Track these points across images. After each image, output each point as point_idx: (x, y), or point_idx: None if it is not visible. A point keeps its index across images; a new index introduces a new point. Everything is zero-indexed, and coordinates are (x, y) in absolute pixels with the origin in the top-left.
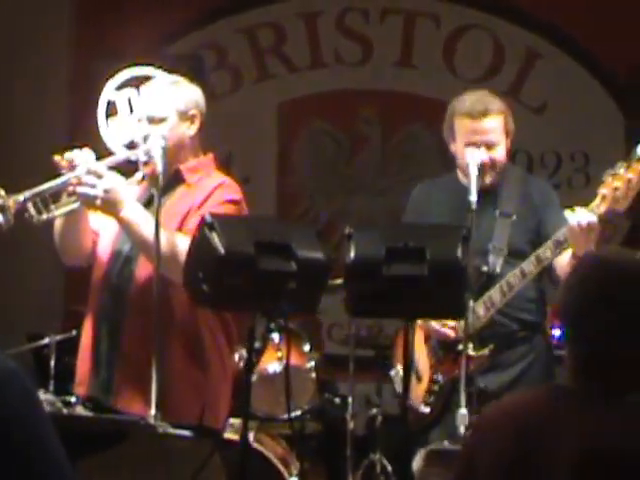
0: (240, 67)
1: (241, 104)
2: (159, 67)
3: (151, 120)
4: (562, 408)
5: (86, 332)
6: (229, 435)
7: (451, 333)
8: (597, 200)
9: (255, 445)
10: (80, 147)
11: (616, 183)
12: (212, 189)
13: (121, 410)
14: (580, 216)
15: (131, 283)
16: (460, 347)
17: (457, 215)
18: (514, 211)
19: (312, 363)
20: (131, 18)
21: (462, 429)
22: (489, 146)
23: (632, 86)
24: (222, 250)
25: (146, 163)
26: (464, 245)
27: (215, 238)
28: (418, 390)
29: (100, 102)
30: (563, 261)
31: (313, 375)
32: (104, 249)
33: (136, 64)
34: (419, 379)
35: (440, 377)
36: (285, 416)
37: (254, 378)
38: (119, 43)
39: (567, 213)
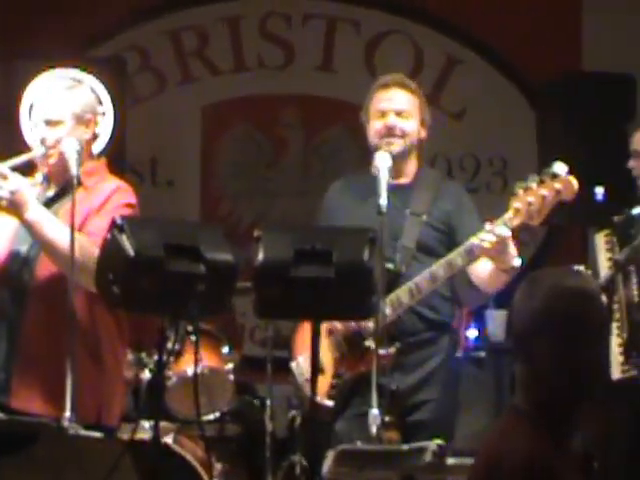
0: (163, 70)
1: (165, 107)
2: (83, 69)
3: (48, 123)
4: (517, 433)
5: None
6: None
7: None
8: (510, 213)
9: (174, 447)
10: None
11: (530, 198)
12: (110, 192)
13: (19, 410)
14: (490, 233)
15: (31, 283)
16: (367, 344)
17: (368, 210)
18: (425, 211)
19: (230, 365)
20: (56, 19)
21: (374, 429)
22: (399, 113)
23: (545, 91)
24: (131, 252)
25: (44, 164)
26: (371, 247)
27: (125, 240)
28: (321, 382)
29: (23, 104)
30: (480, 270)
31: (231, 377)
32: (0, 249)
33: (60, 66)
34: (321, 372)
35: (344, 372)
36: (204, 418)
37: (173, 380)
38: (43, 44)
39: (473, 237)
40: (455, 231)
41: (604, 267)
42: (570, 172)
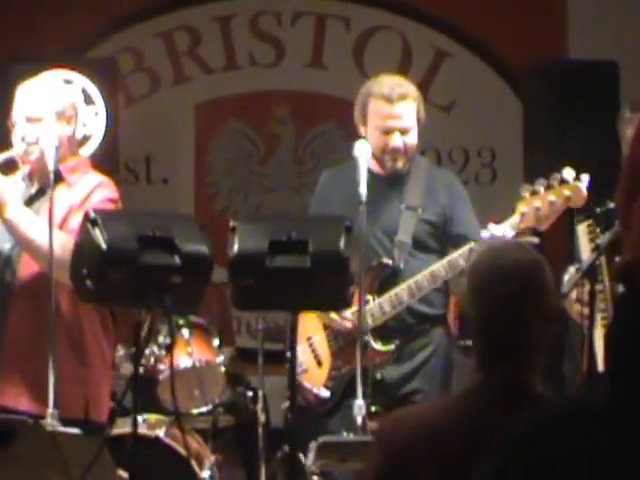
0: (157, 70)
1: (158, 106)
2: (76, 71)
3: (28, 120)
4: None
5: None
6: (144, 431)
7: (349, 325)
8: (516, 217)
9: (167, 440)
10: None
11: (537, 203)
12: (92, 188)
13: (6, 406)
14: (497, 234)
15: (14, 282)
16: (365, 340)
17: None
18: (419, 204)
19: (222, 358)
20: (50, 23)
21: (359, 420)
22: (403, 131)
23: (529, 80)
24: (104, 246)
25: (25, 162)
26: (347, 236)
27: (98, 234)
28: (318, 374)
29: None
30: None
31: (222, 369)
32: None
33: (54, 68)
34: (319, 363)
35: (342, 364)
36: (197, 410)
37: (165, 374)
38: (38, 48)
39: (483, 232)
40: (449, 223)
41: (587, 256)
42: (554, 158)
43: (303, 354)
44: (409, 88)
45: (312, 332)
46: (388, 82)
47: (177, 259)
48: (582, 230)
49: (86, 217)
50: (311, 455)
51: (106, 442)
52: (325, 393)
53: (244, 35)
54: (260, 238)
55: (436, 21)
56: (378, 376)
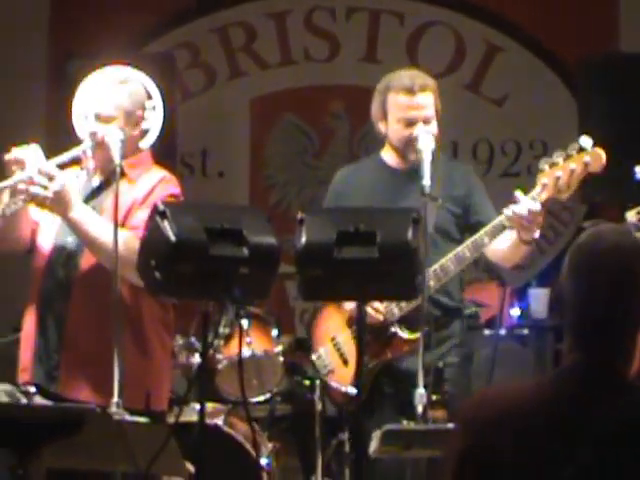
0: (213, 65)
1: (214, 101)
2: (134, 66)
3: (98, 117)
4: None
5: (28, 321)
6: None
7: (381, 317)
8: (537, 189)
9: (225, 428)
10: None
11: (557, 172)
12: (155, 184)
13: (67, 397)
14: (522, 205)
15: (76, 274)
16: (392, 330)
17: (380, 196)
18: (440, 195)
19: (280, 348)
20: (107, 18)
21: (420, 408)
22: (426, 121)
23: (583, 73)
24: (173, 238)
25: (90, 156)
26: (414, 227)
27: (166, 226)
28: (345, 373)
29: (75, 101)
30: (497, 246)
31: (281, 359)
32: (46, 240)
33: (111, 64)
34: (345, 362)
35: (368, 359)
36: (255, 399)
37: (224, 363)
38: (94, 43)
39: (506, 209)
40: (468, 212)
41: None
42: (609, 151)
43: (328, 355)
44: (428, 79)
45: (336, 331)
46: (406, 74)
47: (245, 251)
48: (632, 217)
49: (155, 209)
50: (374, 443)
51: (173, 430)
52: (353, 391)
53: (299, 31)
54: (328, 229)
55: (488, 16)
56: (440, 364)
